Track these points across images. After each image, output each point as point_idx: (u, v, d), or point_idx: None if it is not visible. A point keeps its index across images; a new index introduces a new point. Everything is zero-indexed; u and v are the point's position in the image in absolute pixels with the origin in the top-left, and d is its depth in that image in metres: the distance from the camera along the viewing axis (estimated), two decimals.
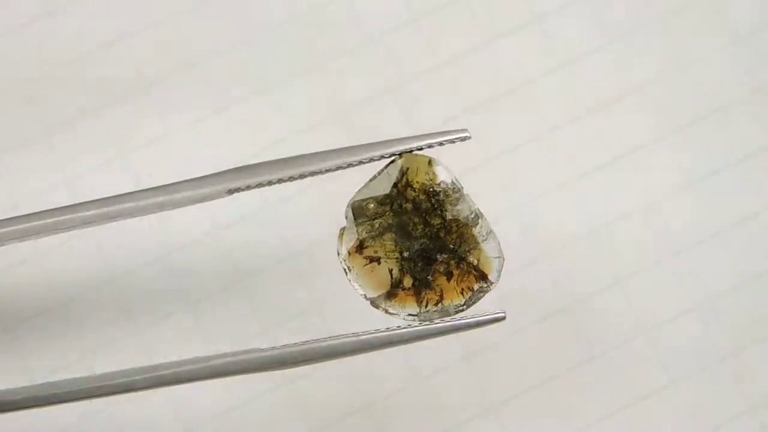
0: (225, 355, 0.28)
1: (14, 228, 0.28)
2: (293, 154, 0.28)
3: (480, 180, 0.37)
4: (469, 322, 0.28)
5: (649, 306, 0.37)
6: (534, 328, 0.37)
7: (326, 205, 0.34)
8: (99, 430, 0.36)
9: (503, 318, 0.28)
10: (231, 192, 0.28)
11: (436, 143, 0.28)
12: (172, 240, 0.37)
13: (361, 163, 0.28)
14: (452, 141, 0.28)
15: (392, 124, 0.38)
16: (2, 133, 0.38)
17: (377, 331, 0.28)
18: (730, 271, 0.38)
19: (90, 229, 0.33)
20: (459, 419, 0.37)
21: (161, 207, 0.28)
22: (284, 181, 0.28)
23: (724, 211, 0.38)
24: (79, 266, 0.37)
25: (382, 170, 0.28)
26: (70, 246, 0.37)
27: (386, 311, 0.28)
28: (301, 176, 0.28)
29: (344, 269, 0.28)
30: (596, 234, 0.38)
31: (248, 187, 0.28)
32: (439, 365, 0.37)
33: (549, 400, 0.37)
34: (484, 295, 0.28)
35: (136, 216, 0.28)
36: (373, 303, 0.28)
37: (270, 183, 0.28)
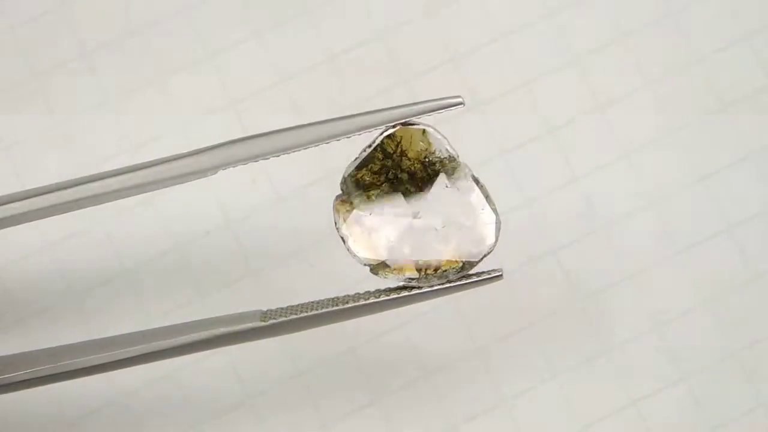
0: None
1: None
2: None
3: (492, 173, 0.37)
4: (467, 282, 0.28)
5: (660, 301, 0.37)
6: (545, 322, 0.37)
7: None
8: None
9: (500, 276, 0.28)
10: (222, 167, 0.28)
11: (429, 110, 0.28)
12: (184, 231, 0.37)
13: (354, 133, 0.28)
14: (445, 107, 0.28)
15: None
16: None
17: (378, 292, 0.29)
18: (742, 267, 0.38)
19: (100, 219, 0.34)
20: (469, 414, 0.37)
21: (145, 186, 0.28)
22: (274, 155, 0.28)
23: (737, 205, 0.38)
24: (91, 257, 0.37)
25: (376, 140, 0.28)
26: (82, 237, 0.37)
27: (386, 278, 0.28)
28: (292, 149, 0.28)
29: (341, 237, 0.28)
30: (608, 228, 0.38)
31: (238, 162, 0.28)
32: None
33: (560, 393, 0.37)
34: (483, 258, 0.28)
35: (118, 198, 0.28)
36: (373, 270, 0.28)
37: (260, 157, 0.28)
